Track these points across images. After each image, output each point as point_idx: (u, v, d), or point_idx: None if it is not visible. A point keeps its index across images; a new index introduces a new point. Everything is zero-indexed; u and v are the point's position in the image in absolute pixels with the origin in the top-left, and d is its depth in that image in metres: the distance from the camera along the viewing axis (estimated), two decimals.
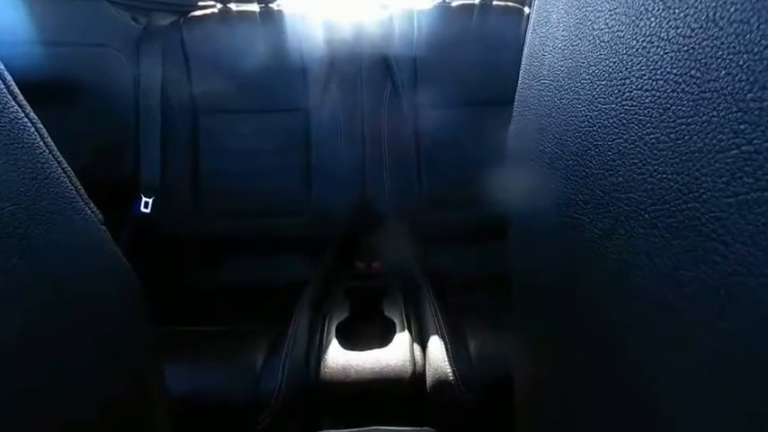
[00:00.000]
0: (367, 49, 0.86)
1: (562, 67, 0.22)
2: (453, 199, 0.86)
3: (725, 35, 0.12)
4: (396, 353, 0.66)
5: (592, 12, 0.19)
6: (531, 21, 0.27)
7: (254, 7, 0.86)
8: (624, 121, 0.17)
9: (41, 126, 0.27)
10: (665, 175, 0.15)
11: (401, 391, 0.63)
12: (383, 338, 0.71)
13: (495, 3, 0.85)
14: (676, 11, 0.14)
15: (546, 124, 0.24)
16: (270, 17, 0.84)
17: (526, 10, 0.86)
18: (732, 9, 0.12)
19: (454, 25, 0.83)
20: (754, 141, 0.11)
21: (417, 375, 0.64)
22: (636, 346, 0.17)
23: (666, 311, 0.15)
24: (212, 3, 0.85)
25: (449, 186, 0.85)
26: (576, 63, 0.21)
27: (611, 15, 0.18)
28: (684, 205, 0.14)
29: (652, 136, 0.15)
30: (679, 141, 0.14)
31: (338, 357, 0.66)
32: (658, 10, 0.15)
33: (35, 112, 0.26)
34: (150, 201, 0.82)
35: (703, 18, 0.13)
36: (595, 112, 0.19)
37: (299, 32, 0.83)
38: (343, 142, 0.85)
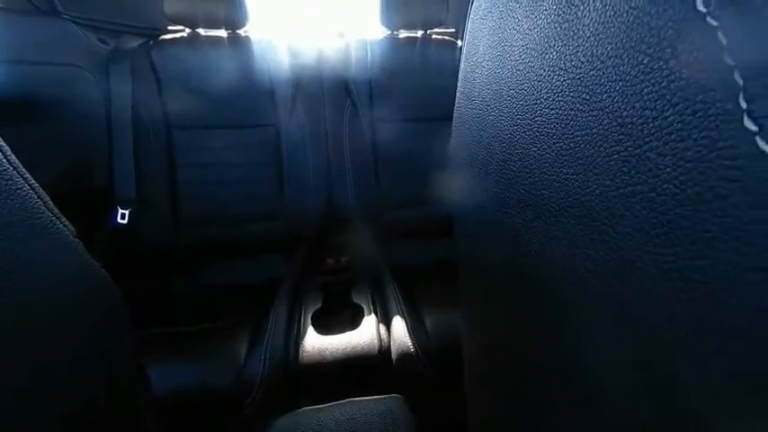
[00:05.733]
0: (328, 73, 0.88)
1: (489, 90, 0.23)
2: (407, 200, 0.88)
3: (605, 67, 0.13)
4: (364, 334, 0.68)
5: (509, 47, 0.20)
6: (463, 52, 0.28)
7: (222, 33, 0.83)
8: (537, 134, 0.18)
9: (3, 144, 0.24)
10: (568, 176, 0.16)
11: (370, 366, 0.65)
12: (353, 323, 0.72)
13: (433, 36, 0.90)
14: (571, 47, 0.15)
15: (478, 137, 0.25)
16: (237, 42, 0.83)
17: (459, 42, 0.92)
18: (609, 47, 0.13)
19: (401, 54, 0.87)
20: (629, 148, 0.13)
21: (383, 351, 0.66)
22: (559, 315, 0.18)
23: (579, 283, 0.16)
24: (181, 28, 0.82)
25: (403, 189, 0.88)
26: (499, 87, 0.22)
27: (523, 50, 0.19)
28: (583, 198, 0.15)
29: (557, 145, 0.16)
30: (577, 149, 0.15)
31: (314, 342, 0.66)
32: (558, 46, 0.16)
33: (5, 129, 0.23)
34: (127, 212, 0.77)
35: (590, 54, 0.14)
36: (515, 127, 0.20)
37: (267, 57, 0.83)
38: (310, 154, 0.85)
